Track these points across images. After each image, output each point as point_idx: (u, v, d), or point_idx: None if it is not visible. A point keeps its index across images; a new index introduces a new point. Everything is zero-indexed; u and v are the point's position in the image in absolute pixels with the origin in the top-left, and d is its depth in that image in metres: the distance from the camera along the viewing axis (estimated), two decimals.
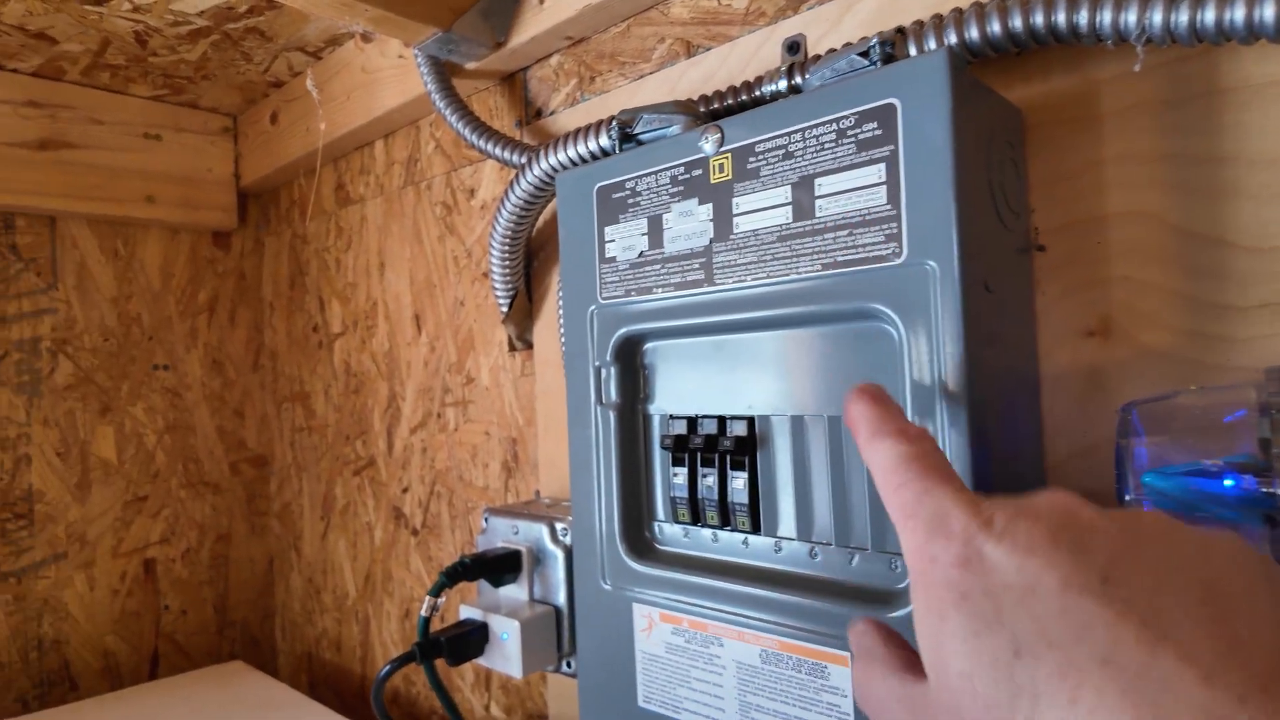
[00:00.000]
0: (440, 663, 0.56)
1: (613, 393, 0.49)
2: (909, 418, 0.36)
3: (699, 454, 0.46)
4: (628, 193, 0.48)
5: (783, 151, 0.40)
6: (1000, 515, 0.23)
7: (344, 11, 0.60)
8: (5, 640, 0.94)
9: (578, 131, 0.57)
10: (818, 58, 0.46)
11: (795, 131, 0.40)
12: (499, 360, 0.77)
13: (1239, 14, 0.32)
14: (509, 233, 0.65)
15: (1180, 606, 0.20)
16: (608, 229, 0.49)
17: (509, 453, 0.76)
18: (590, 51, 0.67)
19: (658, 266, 0.46)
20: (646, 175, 0.47)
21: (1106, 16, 0.35)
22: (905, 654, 0.27)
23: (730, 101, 0.50)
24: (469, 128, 0.67)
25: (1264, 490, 0.30)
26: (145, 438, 1.05)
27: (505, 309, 0.70)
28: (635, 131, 0.49)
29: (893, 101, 0.36)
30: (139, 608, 1.04)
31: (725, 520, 0.45)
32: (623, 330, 0.48)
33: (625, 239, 0.48)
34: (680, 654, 0.45)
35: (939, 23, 0.41)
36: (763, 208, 0.41)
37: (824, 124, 0.39)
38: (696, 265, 0.44)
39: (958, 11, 0.40)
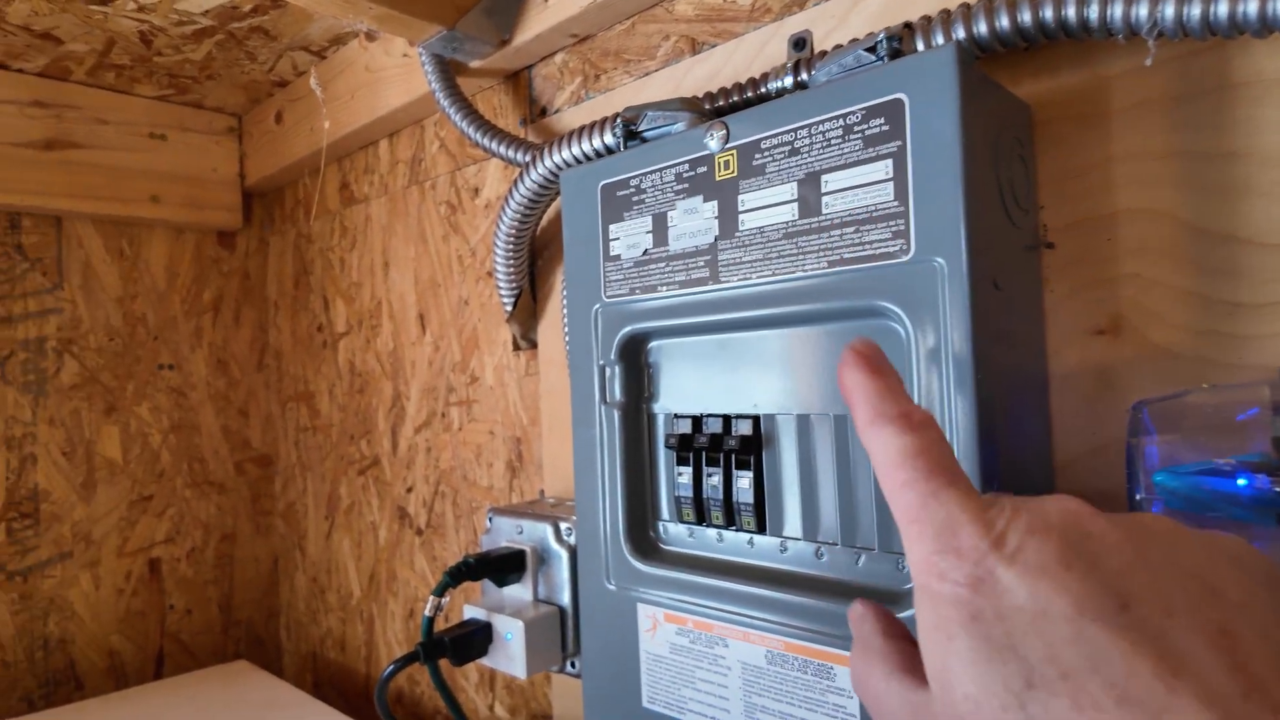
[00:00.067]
0: (445, 663, 0.56)
1: (617, 392, 0.49)
2: None
3: (704, 453, 0.46)
4: (632, 190, 0.47)
5: (788, 148, 0.40)
6: (1012, 531, 0.22)
7: (348, 9, 0.60)
8: (11, 639, 0.94)
9: (582, 129, 0.57)
10: (824, 54, 0.45)
11: (801, 127, 0.40)
12: (503, 359, 0.77)
13: (1252, 7, 0.32)
14: (513, 231, 0.65)
15: (1197, 635, 0.19)
16: (612, 227, 0.49)
17: (513, 452, 0.76)
18: (595, 49, 0.67)
19: (662, 264, 0.46)
20: (651, 173, 0.46)
21: (1118, 10, 0.35)
22: (905, 649, 0.26)
23: (736, 98, 0.50)
24: (473, 126, 0.67)
25: (1277, 489, 0.30)
26: (150, 437, 1.05)
27: (509, 308, 0.70)
28: (640, 129, 0.49)
29: (900, 97, 0.36)
30: (144, 607, 1.04)
31: (730, 520, 0.45)
32: (627, 329, 0.48)
33: (630, 237, 0.48)
34: (685, 654, 0.45)
35: (947, 18, 0.40)
36: (768, 205, 0.41)
37: (830, 120, 0.38)
38: (701, 263, 0.44)
39: (966, 6, 0.40)
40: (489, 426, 0.79)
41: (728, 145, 0.43)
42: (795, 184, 0.40)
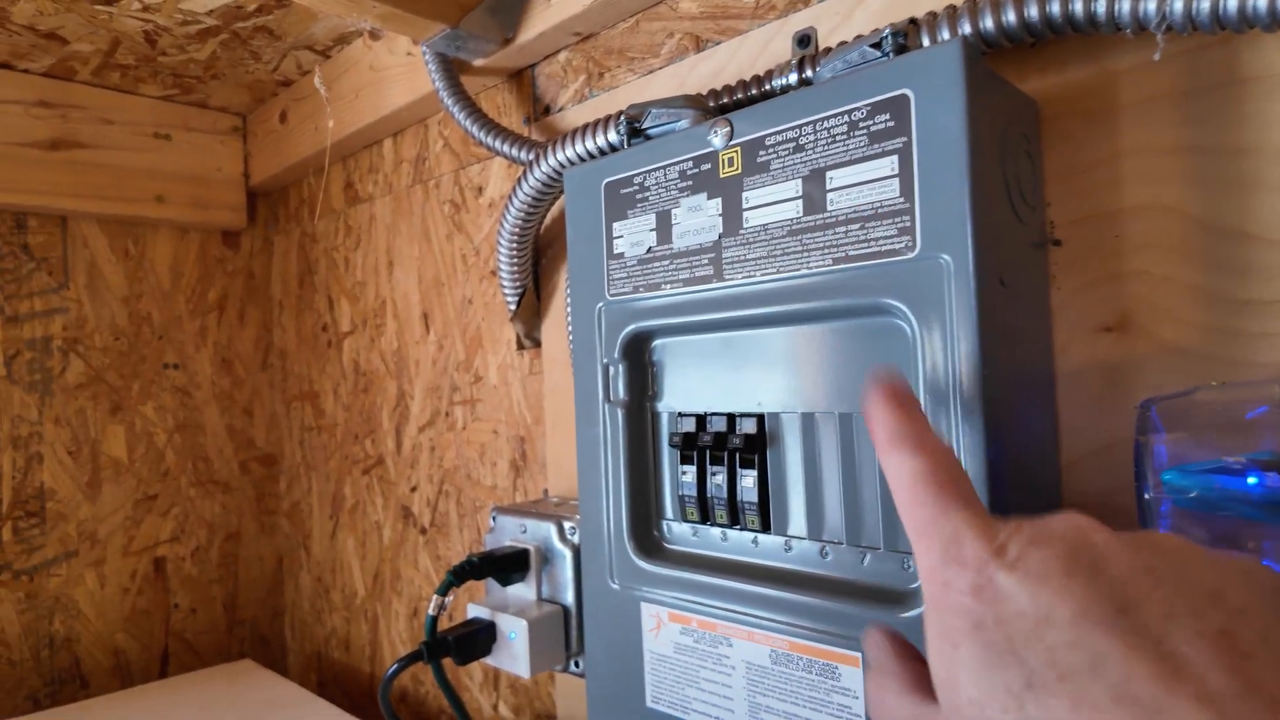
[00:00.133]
0: (449, 662, 0.56)
1: (620, 390, 0.48)
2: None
3: (708, 452, 0.45)
4: (636, 188, 0.47)
5: (793, 144, 0.40)
6: (1014, 542, 0.23)
7: (352, 8, 0.60)
8: (17, 638, 0.94)
9: (586, 127, 0.56)
10: (828, 51, 0.45)
11: (806, 124, 0.39)
12: (507, 358, 0.77)
13: (1262, 0, 0.31)
14: (517, 230, 0.65)
15: (1198, 639, 0.20)
16: (616, 225, 0.48)
17: (517, 451, 0.76)
18: (599, 47, 0.66)
19: (666, 262, 0.46)
20: (655, 170, 0.46)
21: (1125, 4, 0.35)
22: (918, 669, 0.27)
23: (740, 96, 0.50)
24: (477, 125, 0.67)
25: None
26: (155, 436, 1.06)
27: (513, 307, 0.70)
28: (643, 126, 0.48)
29: (906, 93, 0.36)
30: (149, 606, 1.04)
31: (734, 519, 0.44)
32: (631, 327, 0.48)
33: (633, 234, 0.47)
34: (689, 654, 0.45)
35: (953, 13, 0.40)
36: (773, 202, 0.41)
37: (835, 116, 0.38)
38: (705, 261, 0.44)
39: (972, 1, 0.39)
40: (493, 425, 0.79)
41: (732, 142, 0.42)
42: (800, 181, 0.40)
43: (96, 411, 1.01)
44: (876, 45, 0.38)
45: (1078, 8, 0.36)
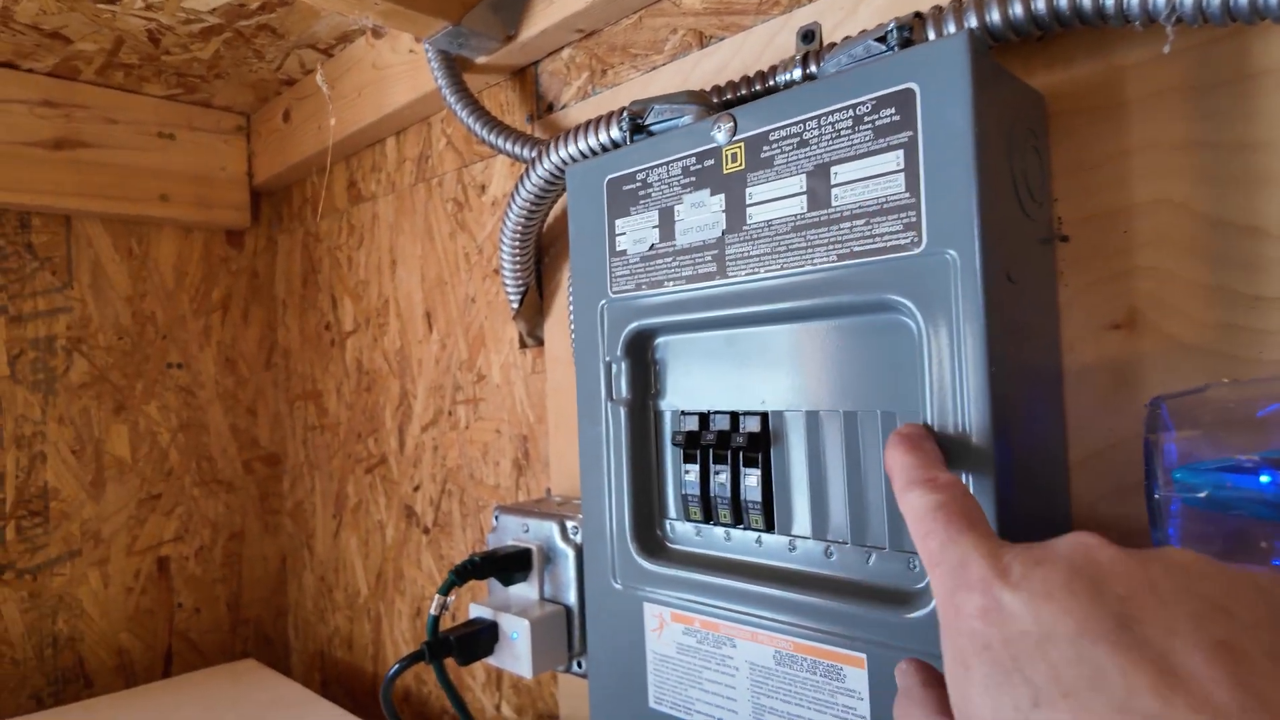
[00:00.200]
0: (451, 662, 0.56)
1: (623, 389, 0.48)
2: (928, 414, 0.35)
3: (711, 450, 0.45)
4: (638, 184, 0.47)
5: (797, 139, 0.39)
6: (1018, 563, 0.23)
7: (354, 6, 0.60)
8: (20, 637, 0.94)
9: (588, 124, 0.56)
10: (833, 46, 0.45)
11: (810, 119, 0.39)
12: (510, 357, 0.76)
13: None
14: (519, 228, 0.65)
15: (1199, 651, 0.19)
16: (618, 221, 0.48)
17: (520, 450, 0.76)
18: (602, 44, 0.66)
19: (669, 259, 0.45)
20: (658, 166, 0.46)
21: None
22: (940, 694, 0.27)
23: (744, 92, 0.49)
24: (479, 123, 0.66)
25: None
26: (159, 436, 1.06)
27: (516, 305, 0.69)
28: (646, 122, 0.48)
29: (911, 86, 0.35)
30: (153, 605, 1.04)
31: (738, 518, 0.44)
32: (633, 325, 0.47)
33: (636, 231, 0.47)
34: (692, 655, 0.45)
35: (959, 6, 0.39)
36: (777, 197, 0.40)
37: (840, 110, 0.38)
38: (709, 257, 0.43)
39: None
40: (496, 425, 0.78)
41: (735, 137, 0.42)
42: (804, 176, 0.39)
43: (100, 411, 1.01)
44: (881, 39, 0.38)
45: (1086, 0, 0.35)
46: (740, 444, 0.43)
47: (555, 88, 0.71)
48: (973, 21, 0.39)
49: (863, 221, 0.37)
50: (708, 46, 0.58)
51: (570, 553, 0.57)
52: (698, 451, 0.45)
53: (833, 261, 0.38)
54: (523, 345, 0.74)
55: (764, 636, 0.41)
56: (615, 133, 0.54)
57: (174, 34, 0.84)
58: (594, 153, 0.56)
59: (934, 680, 0.29)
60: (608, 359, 0.49)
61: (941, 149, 0.34)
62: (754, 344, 0.44)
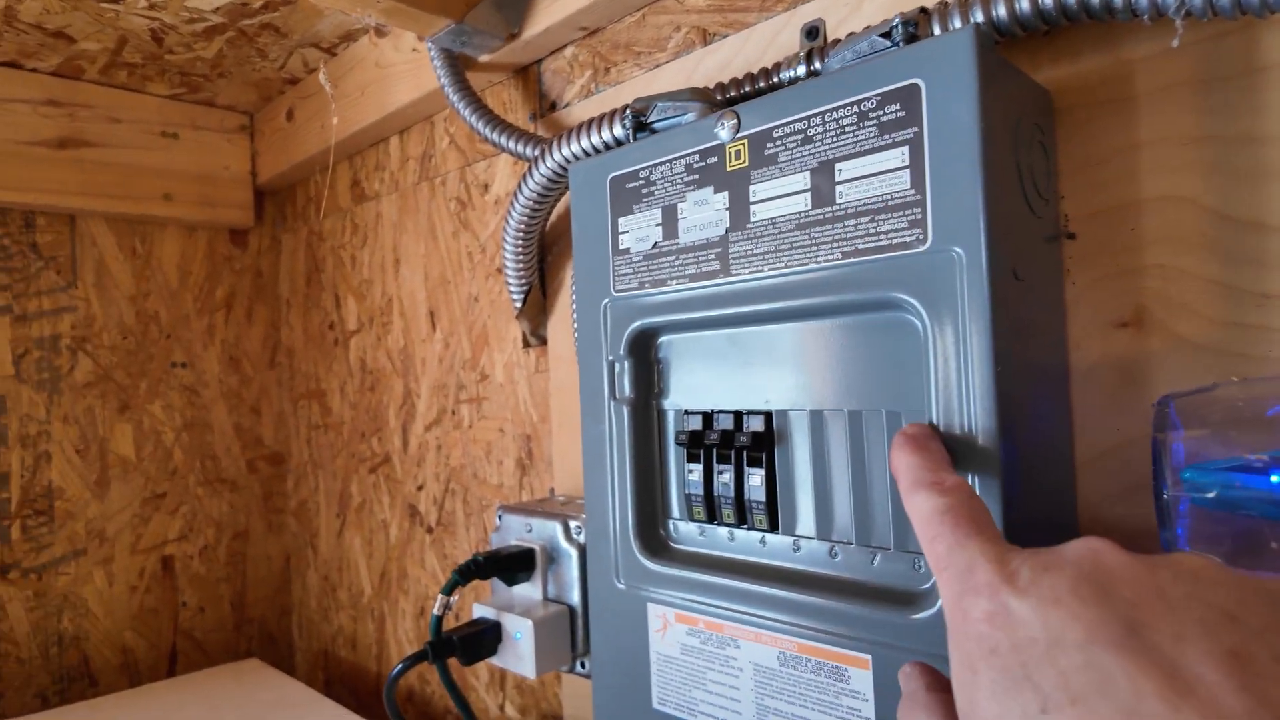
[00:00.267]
0: (455, 662, 0.56)
1: (626, 388, 0.48)
2: (934, 413, 0.35)
3: (715, 450, 0.45)
4: (641, 182, 0.47)
5: (801, 136, 0.39)
6: (1026, 568, 0.23)
7: (357, 4, 0.60)
8: (26, 636, 0.94)
9: (591, 122, 0.56)
10: (837, 42, 0.44)
11: (814, 115, 0.39)
12: (513, 356, 0.76)
13: None
14: (522, 227, 0.65)
15: (1208, 657, 0.19)
16: (621, 220, 0.48)
17: (523, 450, 0.75)
18: (605, 42, 0.66)
19: (672, 258, 0.45)
20: (661, 164, 0.45)
21: None
22: (945, 699, 0.27)
23: (748, 89, 0.49)
24: (482, 121, 0.66)
25: None
26: (163, 435, 1.06)
27: (519, 304, 0.69)
28: (649, 120, 0.48)
29: (916, 82, 0.35)
30: (157, 604, 1.04)
31: (742, 518, 0.44)
32: (636, 323, 0.47)
33: (639, 230, 0.47)
34: (696, 655, 0.44)
35: (964, 1, 0.39)
36: (780, 195, 0.40)
37: (844, 107, 0.37)
38: (712, 256, 0.43)
39: None
40: (499, 424, 0.78)
41: (739, 135, 0.42)
42: (808, 173, 0.39)
43: (104, 410, 1.01)
44: (886, 35, 0.38)
45: None
46: (744, 443, 0.43)
47: (558, 86, 0.71)
48: (978, 16, 0.38)
49: (867, 219, 0.37)
50: (711, 44, 0.57)
51: (573, 552, 0.57)
52: (701, 451, 0.45)
53: (837, 259, 0.38)
54: (526, 344, 0.74)
55: (768, 637, 0.41)
56: (618, 131, 0.54)
57: (177, 33, 0.84)
58: (597, 151, 0.56)
59: (939, 684, 0.28)
60: (611, 358, 0.48)
61: (947, 145, 0.34)
62: (758, 343, 0.43)
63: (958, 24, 0.39)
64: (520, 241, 0.66)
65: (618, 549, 0.48)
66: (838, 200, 0.38)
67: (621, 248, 0.48)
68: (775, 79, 0.48)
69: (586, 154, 0.56)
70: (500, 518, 0.63)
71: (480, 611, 0.58)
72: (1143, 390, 0.38)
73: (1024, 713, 0.21)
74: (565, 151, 0.58)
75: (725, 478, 0.44)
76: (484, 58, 0.70)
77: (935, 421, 0.35)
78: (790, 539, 0.42)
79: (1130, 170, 0.39)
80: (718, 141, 0.43)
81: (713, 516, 0.45)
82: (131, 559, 1.02)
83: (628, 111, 0.49)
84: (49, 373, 0.97)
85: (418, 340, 0.89)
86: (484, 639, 0.56)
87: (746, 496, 0.43)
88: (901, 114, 0.36)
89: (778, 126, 0.40)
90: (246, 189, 1.11)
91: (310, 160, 1.01)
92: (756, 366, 0.43)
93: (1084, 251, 0.40)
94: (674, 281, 0.45)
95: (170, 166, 1.03)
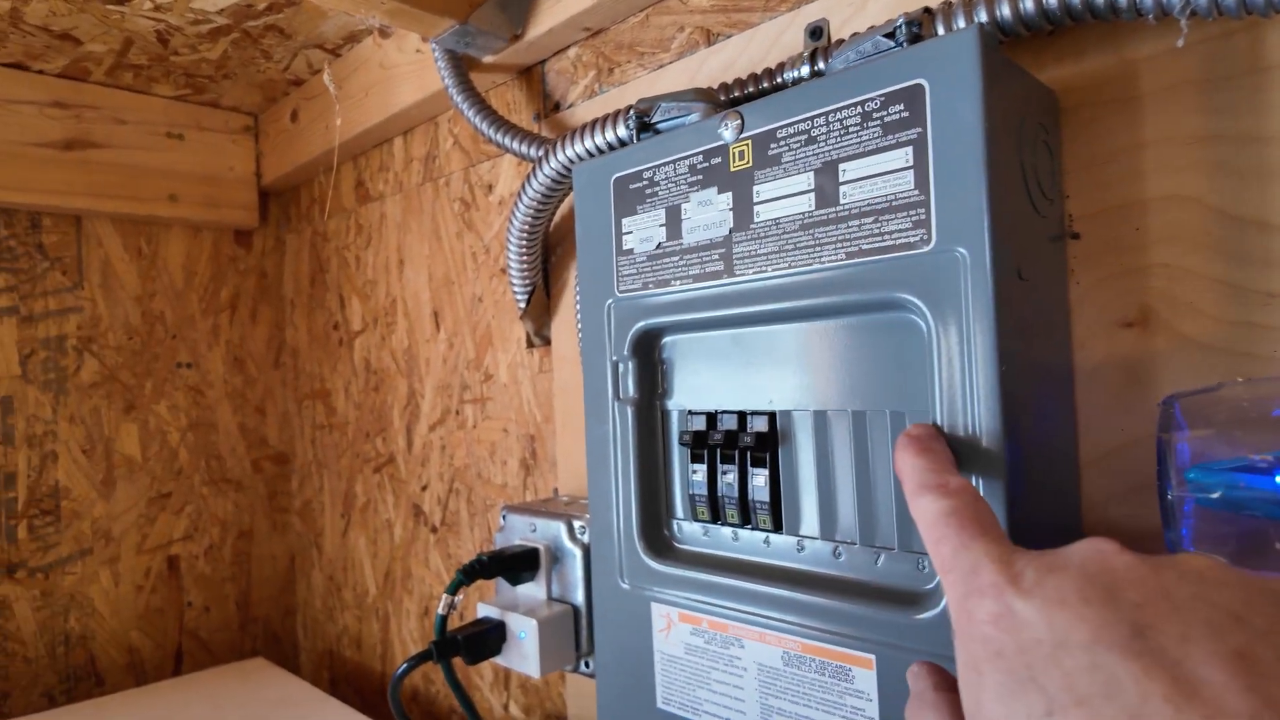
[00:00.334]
0: (459, 661, 0.56)
1: (630, 388, 0.48)
2: (938, 414, 0.35)
3: (719, 450, 0.45)
4: (645, 183, 0.47)
5: (805, 136, 0.39)
6: (1031, 569, 0.23)
7: (360, 4, 0.60)
8: (32, 635, 0.95)
9: (595, 122, 0.56)
10: (841, 43, 0.44)
11: (818, 115, 0.39)
12: (517, 357, 0.76)
13: None
14: (526, 227, 0.65)
15: (1214, 659, 0.19)
16: (625, 220, 0.48)
17: (527, 450, 0.76)
18: (608, 42, 0.66)
19: (676, 258, 0.45)
20: (664, 164, 0.46)
21: None
22: (952, 699, 0.27)
23: (751, 89, 0.49)
24: (486, 122, 0.66)
25: None
26: (169, 435, 1.06)
27: (523, 305, 0.69)
28: (653, 120, 0.48)
29: (920, 82, 0.35)
30: (163, 604, 1.05)
31: (746, 518, 0.44)
32: (640, 324, 0.47)
33: (643, 230, 0.47)
34: (700, 655, 0.44)
35: (968, 1, 0.39)
36: (784, 195, 0.40)
37: (848, 107, 0.37)
38: (716, 256, 0.43)
39: None
40: (503, 424, 0.78)
41: (742, 135, 0.42)
42: (812, 173, 0.39)
43: (110, 410, 1.01)
44: (890, 35, 0.38)
45: None
46: (748, 444, 0.43)
47: (562, 86, 0.71)
48: (982, 16, 0.38)
49: (871, 219, 0.37)
50: (715, 44, 0.57)
51: (578, 552, 0.57)
52: (705, 451, 0.45)
53: (841, 260, 0.38)
54: (530, 344, 0.74)
55: (772, 637, 0.41)
56: (622, 131, 0.54)
57: (182, 35, 0.85)
58: (601, 151, 0.56)
59: (946, 684, 0.28)
60: (615, 358, 0.48)
61: (951, 145, 0.34)
62: (761, 343, 0.43)
63: (962, 24, 0.39)
64: (524, 242, 0.66)
65: (622, 549, 0.48)
66: (841, 201, 0.38)
67: (625, 248, 0.48)
68: (779, 79, 0.48)
69: (590, 154, 0.57)
70: (504, 517, 0.63)
71: (484, 611, 0.59)
72: (1147, 390, 0.38)
73: (1029, 714, 0.21)
74: (569, 152, 0.58)
75: (729, 478, 0.44)
76: (488, 58, 0.70)
77: (939, 422, 0.35)
78: (794, 539, 0.42)
79: (1135, 170, 0.39)
80: (721, 142, 0.43)
81: (716, 517, 0.45)
82: (137, 558, 1.03)
83: (631, 112, 0.49)
84: (55, 373, 0.97)
85: (422, 340, 0.89)
86: (488, 638, 0.57)
87: (750, 497, 0.43)
88: (905, 114, 0.36)
89: (781, 127, 0.40)
90: (251, 190, 1.11)
91: (315, 161, 1.01)
92: (760, 367, 0.43)
93: (1089, 251, 0.40)
94: (678, 282, 0.45)
95: (175, 167, 1.04)
